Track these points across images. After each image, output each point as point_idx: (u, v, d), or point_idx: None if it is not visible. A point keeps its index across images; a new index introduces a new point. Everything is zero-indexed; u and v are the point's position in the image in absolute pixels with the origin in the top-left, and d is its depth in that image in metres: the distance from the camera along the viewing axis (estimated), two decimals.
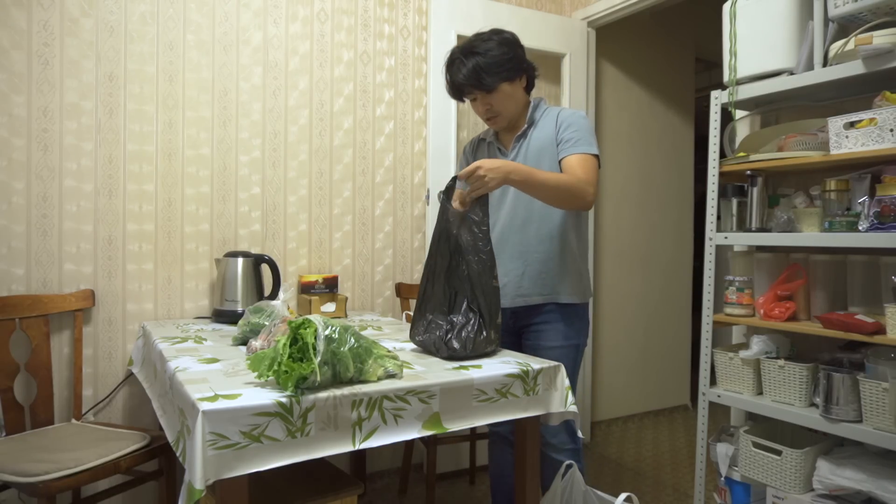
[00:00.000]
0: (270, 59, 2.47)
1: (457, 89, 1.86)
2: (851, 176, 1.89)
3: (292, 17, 2.51)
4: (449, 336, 1.58)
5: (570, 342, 1.87)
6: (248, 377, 1.36)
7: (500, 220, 1.90)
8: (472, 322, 1.58)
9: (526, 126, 1.89)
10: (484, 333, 1.58)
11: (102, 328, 2.20)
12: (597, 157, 1.81)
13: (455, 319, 1.59)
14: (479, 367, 1.50)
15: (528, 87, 1.91)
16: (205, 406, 1.13)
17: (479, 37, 1.82)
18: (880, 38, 1.68)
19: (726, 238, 2.11)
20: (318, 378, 1.24)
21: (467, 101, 1.92)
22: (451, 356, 1.57)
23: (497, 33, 1.81)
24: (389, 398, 1.31)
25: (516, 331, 1.94)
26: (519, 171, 1.62)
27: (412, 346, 1.76)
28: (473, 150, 2.05)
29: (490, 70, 1.77)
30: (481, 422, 1.44)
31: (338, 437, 1.25)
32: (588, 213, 2.00)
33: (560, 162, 1.81)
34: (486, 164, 1.56)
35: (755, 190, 2.08)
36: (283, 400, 1.19)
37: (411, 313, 2.44)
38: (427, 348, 1.65)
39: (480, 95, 1.83)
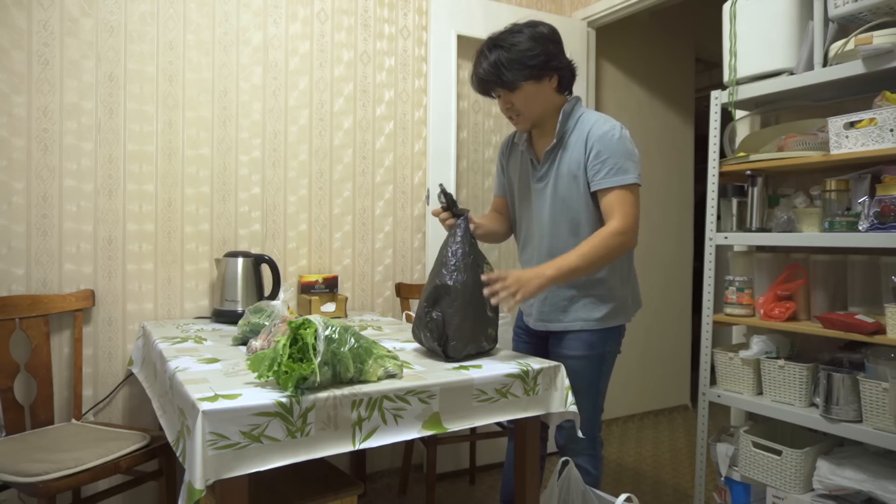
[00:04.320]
0: (270, 59, 2.47)
1: (480, 83, 1.71)
2: (851, 176, 1.89)
3: (292, 17, 2.51)
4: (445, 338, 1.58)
5: (593, 352, 1.76)
6: (248, 377, 1.36)
7: (530, 241, 1.84)
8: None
9: (556, 141, 1.74)
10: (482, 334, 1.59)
11: (102, 328, 2.20)
12: (634, 184, 1.65)
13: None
14: (479, 367, 1.50)
15: (563, 88, 1.74)
16: (205, 406, 1.13)
17: (511, 28, 1.67)
18: (880, 38, 1.68)
19: (726, 238, 2.11)
20: (318, 378, 1.24)
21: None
22: (450, 357, 1.57)
23: (531, 26, 1.66)
24: (389, 398, 1.31)
25: (545, 336, 1.87)
26: (552, 272, 1.56)
27: (412, 345, 1.76)
28: (507, 154, 1.93)
29: (512, 66, 1.63)
30: (481, 422, 1.44)
31: (338, 437, 1.25)
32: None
33: (595, 194, 1.69)
34: (519, 279, 1.52)
35: (755, 190, 2.08)
36: (283, 400, 1.19)
37: (411, 313, 2.45)
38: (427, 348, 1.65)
39: (503, 92, 1.70)
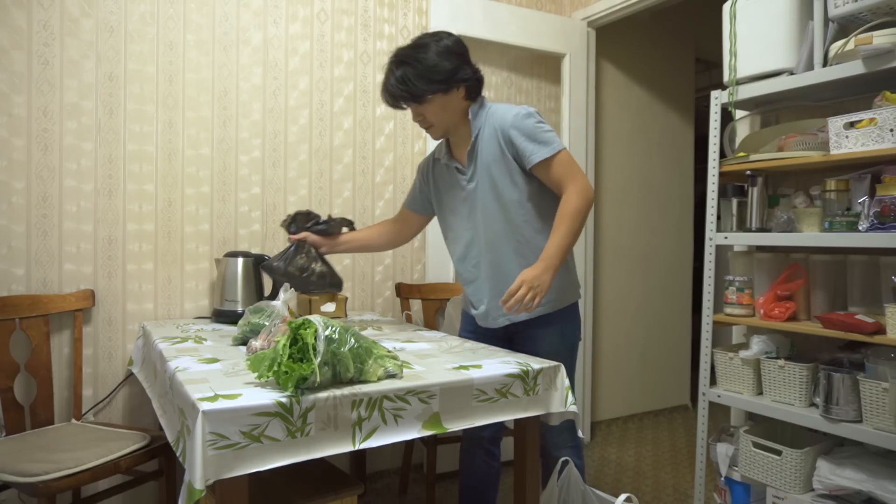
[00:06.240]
0: (270, 59, 2.47)
1: (389, 98, 1.78)
2: (851, 176, 1.89)
3: (292, 17, 2.51)
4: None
5: (566, 344, 1.83)
6: (248, 377, 1.36)
7: (473, 245, 1.84)
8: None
9: (473, 139, 1.78)
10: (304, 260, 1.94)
11: (102, 328, 2.20)
12: (562, 149, 1.69)
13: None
14: (479, 366, 1.50)
15: (471, 96, 1.78)
16: (205, 406, 1.13)
17: (417, 43, 1.73)
18: (880, 38, 1.68)
19: (726, 238, 2.11)
20: (318, 378, 1.24)
21: None
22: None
23: (437, 40, 1.72)
24: (389, 398, 1.31)
25: (508, 336, 1.87)
26: (555, 260, 1.63)
27: (412, 345, 1.76)
28: (430, 171, 1.96)
29: (419, 81, 1.69)
30: (481, 422, 1.44)
31: (338, 437, 1.25)
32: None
33: (533, 169, 1.71)
34: (530, 282, 1.59)
35: (755, 190, 2.08)
36: (283, 400, 1.19)
37: (411, 313, 2.45)
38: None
39: (412, 105, 1.77)
